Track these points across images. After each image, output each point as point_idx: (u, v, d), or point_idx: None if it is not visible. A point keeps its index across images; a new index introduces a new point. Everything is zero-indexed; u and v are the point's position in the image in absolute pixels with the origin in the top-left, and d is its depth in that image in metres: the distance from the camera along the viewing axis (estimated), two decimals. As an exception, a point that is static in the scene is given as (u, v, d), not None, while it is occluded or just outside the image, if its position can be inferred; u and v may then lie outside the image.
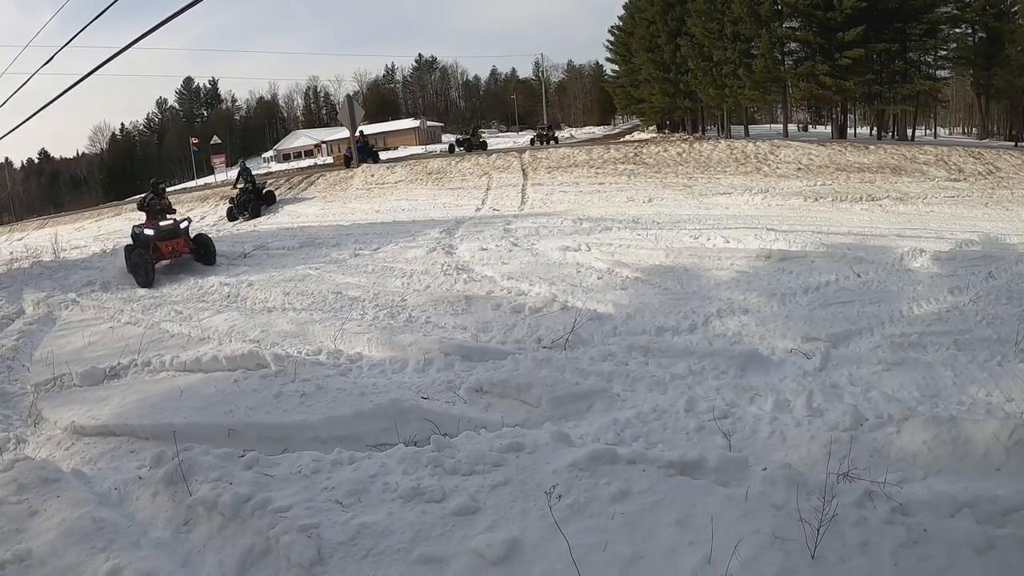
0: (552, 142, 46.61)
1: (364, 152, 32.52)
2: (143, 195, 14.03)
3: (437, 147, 56.90)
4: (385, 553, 3.31)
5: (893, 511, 3.55)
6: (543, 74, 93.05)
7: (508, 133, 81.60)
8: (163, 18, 10.54)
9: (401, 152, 54.04)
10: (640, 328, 7.28)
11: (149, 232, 12.77)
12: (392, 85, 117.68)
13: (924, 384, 6.01)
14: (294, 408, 5.34)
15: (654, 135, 52.72)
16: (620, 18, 63.85)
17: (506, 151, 29.60)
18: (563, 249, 11.12)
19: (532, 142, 47.71)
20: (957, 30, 48.16)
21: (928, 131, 63.37)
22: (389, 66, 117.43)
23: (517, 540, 3.28)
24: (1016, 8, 47.98)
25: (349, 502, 3.66)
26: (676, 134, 50.94)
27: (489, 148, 40.70)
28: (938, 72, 49.01)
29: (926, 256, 10.24)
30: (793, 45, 46.01)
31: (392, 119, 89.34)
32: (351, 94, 46.95)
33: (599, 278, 9.36)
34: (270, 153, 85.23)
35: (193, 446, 4.41)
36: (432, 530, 3.42)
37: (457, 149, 43.22)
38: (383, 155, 44.71)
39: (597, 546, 3.23)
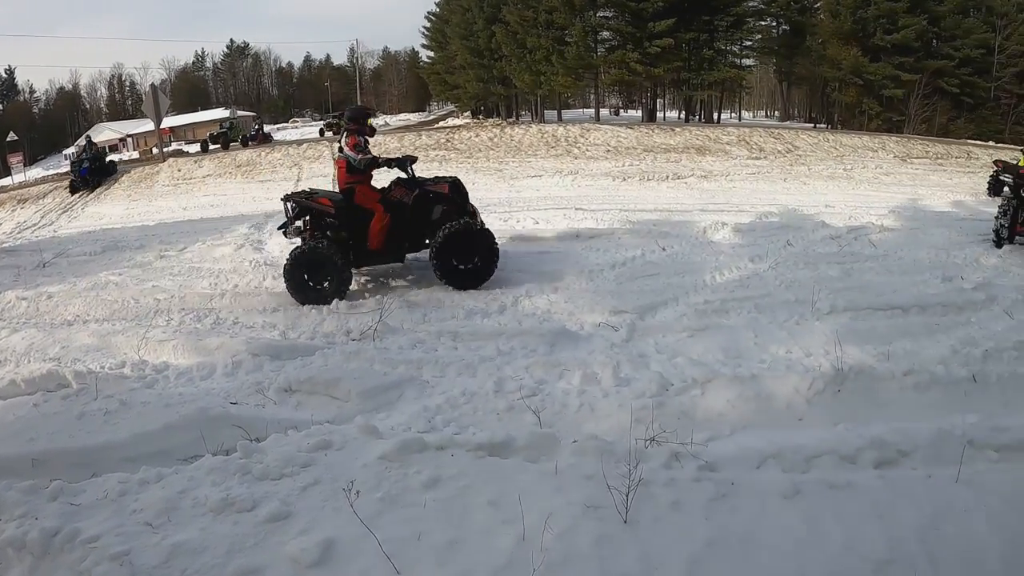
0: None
1: (100, 172, 24.96)
2: (351, 128, 8.75)
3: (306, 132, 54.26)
4: (200, 571, 3.19)
5: (700, 469, 3.77)
6: (358, 60, 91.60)
7: (322, 122, 79.98)
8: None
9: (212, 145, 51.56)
10: (450, 313, 7.39)
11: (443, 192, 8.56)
12: (202, 73, 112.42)
13: (727, 347, 6.40)
14: (98, 428, 5.02)
15: (468, 121, 53.05)
16: (437, 4, 64.21)
17: (317, 140, 29.02)
18: (371, 239, 11.02)
19: (321, 132, 43.98)
20: (763, 23, 52.09)
21: (734, 114, 67.16)
22: (199, 52, 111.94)
23: (332, 540, 3.25)
24: (819, 4, 52.34)
25: (160, 522, 3.49)
26: (490, 120, 51.59)
27: (297, 138, 38.94)
28: (744, 60, 52.78)
29: (727, 228, 10.84)
30: (606, 33, 47.68)
31: (201, 109, 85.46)
32: (156, 83, 43.75)
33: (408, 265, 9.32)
34: (72, 149, 79.41)
35: (-5, 482, 4.08)
36: (246, 540, 3.33)
37: (211, 146, 36.78)
38: (189, 148, 41.93)
39: (412, 537, 3.25)
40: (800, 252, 9.85)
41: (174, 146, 44.21)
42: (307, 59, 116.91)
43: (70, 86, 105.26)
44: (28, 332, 7.95)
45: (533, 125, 28.88)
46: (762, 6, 50.82)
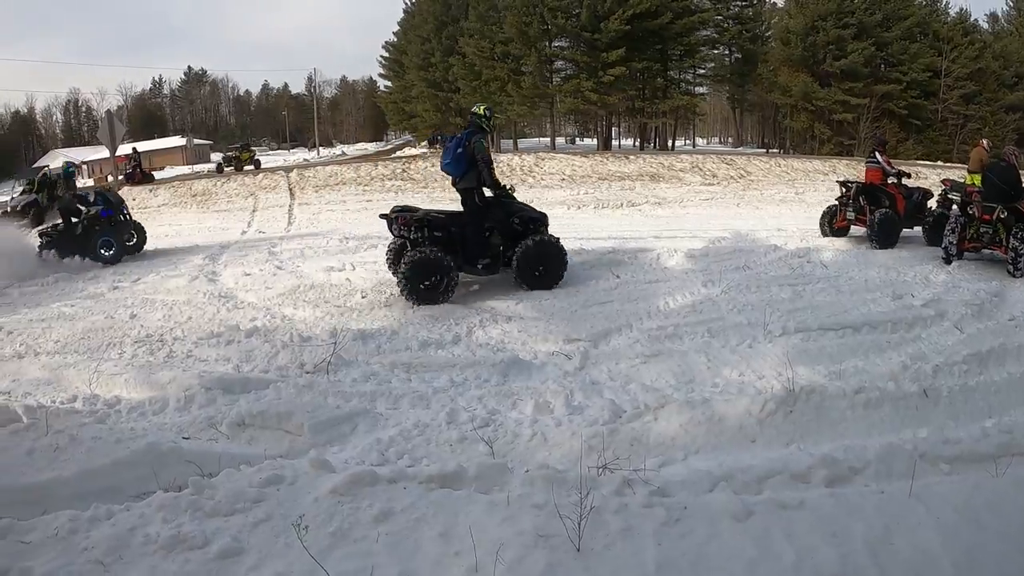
0: (253, 167, 38.60)
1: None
2: (882, 148, 14.41)
3: (205, 167, 51.68)
4: (150, 610, 3.12)
5: (652, 494, 3.76)
6: (316, 89, 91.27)
7: (279, 151, 79.40)
8: None
9: (168, 172, 50.00)
10: (404, 344, 7.32)
11: None
12: (159, 99, 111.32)
13: (680, 372, 6.46)
14: (48, 465, 4.85)
15: (425, 151, 53.18)
16: (395, 34, 64.38)
17: (273, 170, 28.75)
18: (328, 269, 10.88)
19: (219, 168, 39.41)
20: (715, 51, 53.16)
21: (688, 141, 68.16)
22: (156, 79, 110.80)
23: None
24: (770, 32, 53.67)
25: (110, 560, 3.41)
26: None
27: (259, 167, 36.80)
28: (697, 88, 53.73)
29: (680, 254, 10.95)
30: (560, 63, 48.22)
31: (158, 136, 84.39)
32: (112, 110, 41.99)
33: (364, 297, 9.29)
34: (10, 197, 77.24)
35: (-57, 520, 3.95)
36: (196, 579, 3.26)
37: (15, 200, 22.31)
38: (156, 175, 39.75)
39: (363, 570, 3.21)
40: (752, 276, 10.00)
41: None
42: (265, 87, 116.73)
43: (25, 110, 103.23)
44: (-23, 365, 7.77)
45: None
46: (714, 35, 52.11)
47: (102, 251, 13.65)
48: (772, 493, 3.93)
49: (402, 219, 9.19)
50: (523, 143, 57.54)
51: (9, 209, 21.06)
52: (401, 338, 7.51)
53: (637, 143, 54.58)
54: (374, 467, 4.19)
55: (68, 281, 12.02)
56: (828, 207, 14.07)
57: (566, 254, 9.63)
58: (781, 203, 21.06)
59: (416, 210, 9.56)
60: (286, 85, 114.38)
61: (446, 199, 20.79)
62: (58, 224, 14.39)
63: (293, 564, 3.29)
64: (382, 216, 9.61)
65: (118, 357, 7.63)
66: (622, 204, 20.00)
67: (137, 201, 24.47)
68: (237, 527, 3.59)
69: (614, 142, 55.53)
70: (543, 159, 26.90)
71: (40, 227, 15.14)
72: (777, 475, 4.20)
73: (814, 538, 3.45)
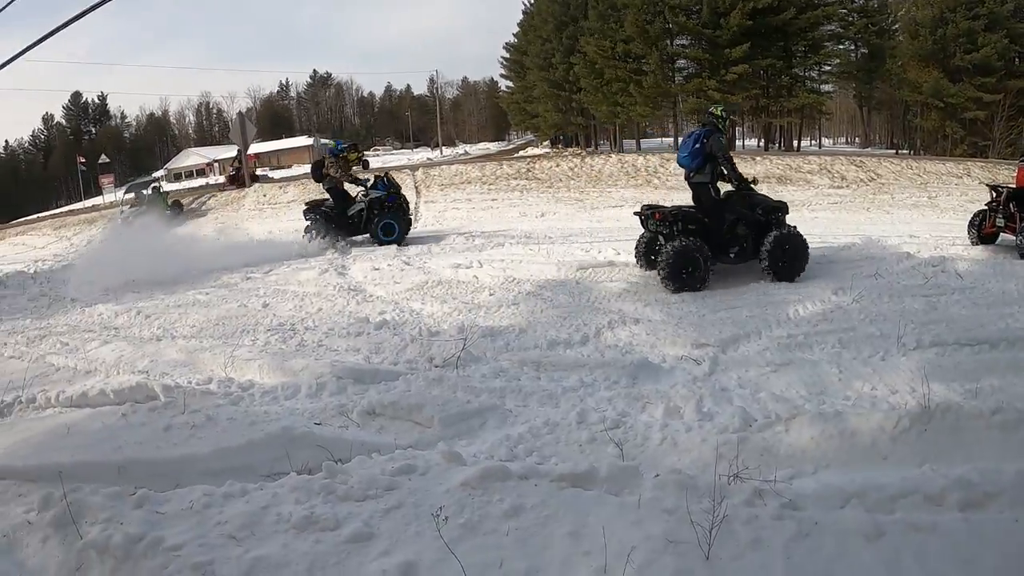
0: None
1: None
2: None
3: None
4: (281, 587, 3.21)
5: (783, 507, 3.65)
6: (438, 90, 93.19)
7: (403, 150, 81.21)
8: (50, 29, 10.08)
9: (295, 171, 52.02)
10: (532, 343, 7.33)
11: None
12: (286, 101, 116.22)
13: (811, 382, 6.20)
14: (184, 441, 5.11)
15: (548, 150, 53.27)
16: (515, 35, 64.81)
17: (398, 169, 29.39)
18: (455, 266, 11.10)
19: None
20: (840, 47, 50.87)
21: (814, 141, 65.94)
22: (283, 82, 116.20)
23: (412, 563, 3.25)
24: (897, 25, 50.85)
25: (243, 535, 3.53)
26: (569, 149, 51.77)
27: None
28: (822, 86, 51.60)
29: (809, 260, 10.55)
30: (682, 62, 47.58)
31: (285, 136, 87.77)
32: (243, 111, 43.25)
33: (491, 294, 9.39)
34: (160, 172, 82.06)
35: (82, 486, 4.16)
36: (327, 559, 3.35)
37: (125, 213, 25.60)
38: (275, 174, 41.66)
39: (492, 563, 3.23)
40: (884, 284, 9.55)
41: (258, 172, 44.67)
42: (388, 89, 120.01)
43: (159, 112, 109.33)
44: (118, 344, 8.19)
45: (613, 155, 28.82)
46: (839, 29, 49.78)
47: (381, 234, 14.61)
48: (904, 514, 3.75)
49: (659, 214, 9.96)
50: (645, 143, 57.02)
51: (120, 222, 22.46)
52: (529, 336, 7.54)
53: (761, 143, 53.33)
54: (505, 462, 4.22)
55: (201, 271, 12.57)
56: (978, 211, 13.01)
57: (808, 246, 10.14)
58: (913, 208, 20.18)
59: (664, 207, 10.35)
60: (408, 87, 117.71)
61: (571, 199, 20.91)
62: (327, 200, 15.39)
63: (423, 552, 3.33)
64: (635, 213, 10.53)
65: (251, 343, 7.93)
66: (748, 207, 19.63)
67: (268, 197, 25.47)
68: (369, 512, 3.67)
69: (737, 142, 54.43)
70: (668, 160, 26.54)
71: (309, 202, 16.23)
72: (910, 495, 3.99)
73: (945, 564, 3.31)
